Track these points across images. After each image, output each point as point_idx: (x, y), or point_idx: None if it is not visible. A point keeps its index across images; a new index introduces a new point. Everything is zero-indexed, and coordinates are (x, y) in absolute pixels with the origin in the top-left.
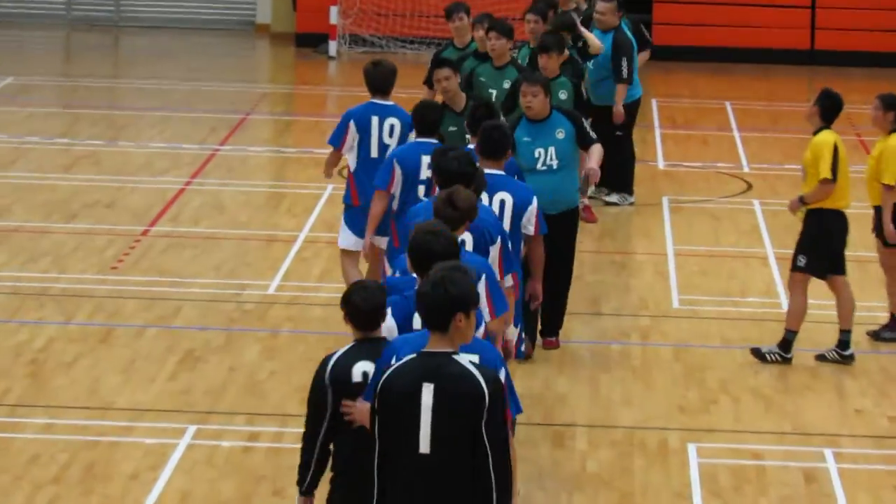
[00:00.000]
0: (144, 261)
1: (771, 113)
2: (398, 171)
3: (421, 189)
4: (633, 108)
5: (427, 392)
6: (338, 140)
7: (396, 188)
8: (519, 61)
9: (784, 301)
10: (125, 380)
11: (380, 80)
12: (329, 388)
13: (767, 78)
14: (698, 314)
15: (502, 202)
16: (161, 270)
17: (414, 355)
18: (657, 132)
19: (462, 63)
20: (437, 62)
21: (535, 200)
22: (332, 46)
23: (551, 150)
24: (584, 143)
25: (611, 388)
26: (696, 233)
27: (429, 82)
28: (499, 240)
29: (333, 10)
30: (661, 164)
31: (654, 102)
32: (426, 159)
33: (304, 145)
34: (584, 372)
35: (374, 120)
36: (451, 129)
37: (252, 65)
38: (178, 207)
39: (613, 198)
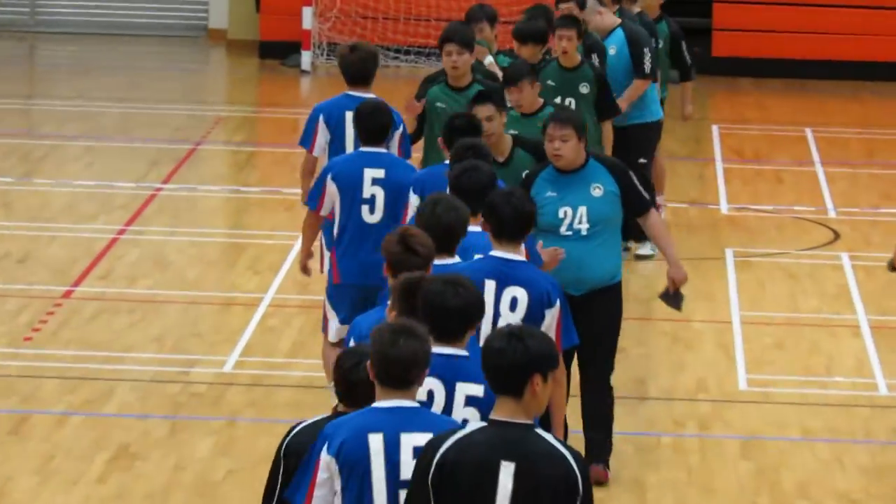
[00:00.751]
0: (67, 330)
1: (864, 143)
2: (332, 189)
3: (364, 210)
4: (655, 130)
5: (506, 473)
6: (308, 139)
7: (333, 209)
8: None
9: (882, 381)
10: (41, 481)
11: (357, 66)
12: (282, 461)
13: (859, 98)
14: (771, 398)
15: (514, 300)
16: (88, 342)
17: (482, 424)
18: (719, 167)
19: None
20: (479, 97)
21: (558, 302)
22: (306, 58)
23: (582, 210)
24: (633, 209)
25: (660, 492)
26: (769, 295)
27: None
28: (558, 303)
29: (307, 13)
30: (723, 208)
31: (714, 130)
32: (371, 174)
33: (269, 183)
34: (626, 472)
35: (349, 116)
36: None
37: (204, 81)
38: (110, 262)
39: (645, 249)
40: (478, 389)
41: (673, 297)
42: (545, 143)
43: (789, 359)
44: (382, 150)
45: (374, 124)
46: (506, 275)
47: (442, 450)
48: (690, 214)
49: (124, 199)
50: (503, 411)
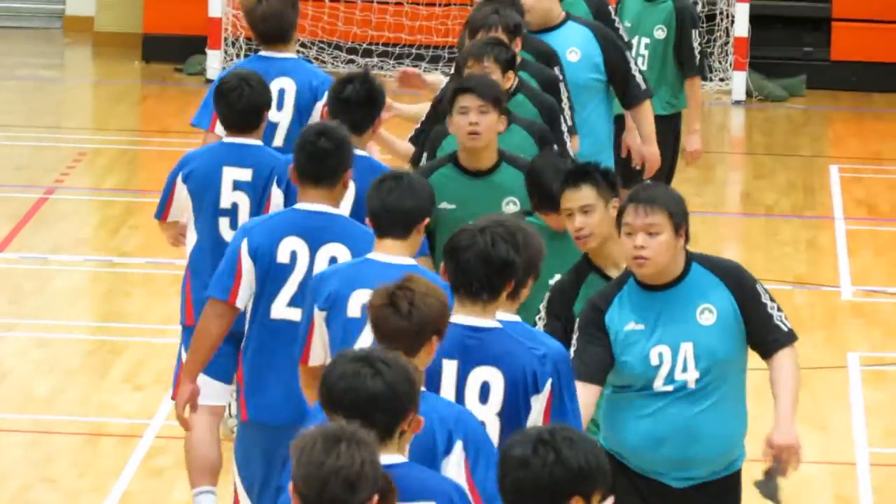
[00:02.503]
0: None
1: None
2: (182, 194)
3: (223, 223)
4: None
5: None
6: (206, 118)
7: (184, 217)
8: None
9: None
10: None
11: (270, 21)
12: None
13: None
14: None
15: (485, 386)
16: None
17: None
18: (839, 230)
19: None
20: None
21: (549, 383)
22: (214, 61)
23: (686, 350)
24: (764, 341)
25: None
26: None
27: (421, 144)
28: (548, 385)
29: None
30: (846, 292)
31: (833, 173)
32: (231, 174)
33: (157, 252)
34: None
35: (275, 86)
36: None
37: (59, 96)
38: None
39: None
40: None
41: (767, 483)
42: (622, 239)
43: None
44: (253, 141)
45: (244, 104)
46: (471, 350)
47: None
48: (796, 301)
49: None
50: None
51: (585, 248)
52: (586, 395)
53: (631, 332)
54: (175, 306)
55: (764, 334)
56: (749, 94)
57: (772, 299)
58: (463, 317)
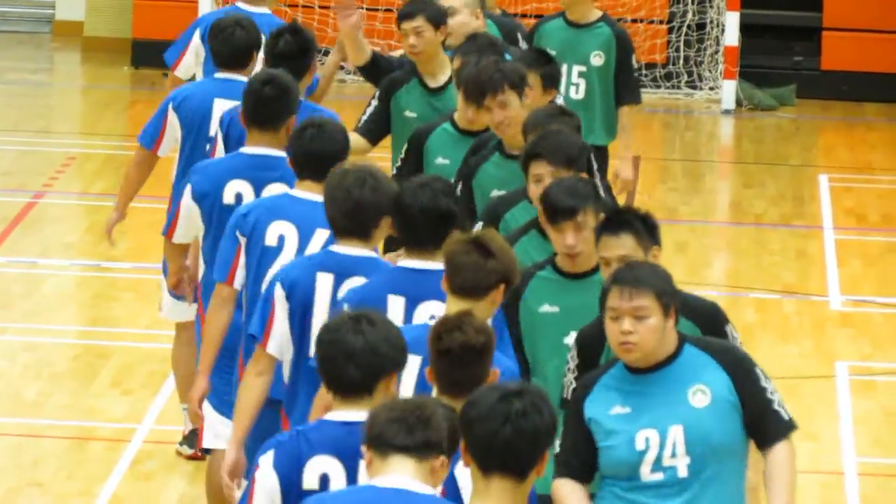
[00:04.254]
0: None
1: None
2: (174, 122)
3: (208, 149)
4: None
5: None
6: (174, 56)
7: (173, 146)
8: None
9: None
10: None
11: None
12: None
13: None
14: None
15: (433, 319)
16: None
17: None
18: (828, 240)
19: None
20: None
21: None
22: None
23: (675, 433)
24: (761, 431)
25: None
26: None
27: (371, 127)
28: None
29: None
30: (834, 302)
31: (822, 183)
32: (221, 105)
33: (145, 257)
34: None
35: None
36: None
37: (48, 100)
38: None
39: None
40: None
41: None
42: (605, 324)
43: None
44: (243, 77)
45: (236, 41)
46: (418, 287)
47: None
48: (785, 310)
49: None
50: (494, 499)
51: None
52: (576, 494)
53: (616, 417)
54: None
55: (761, 422)
56: (739, 103)
57: (771, 383)
58: (410, 261)
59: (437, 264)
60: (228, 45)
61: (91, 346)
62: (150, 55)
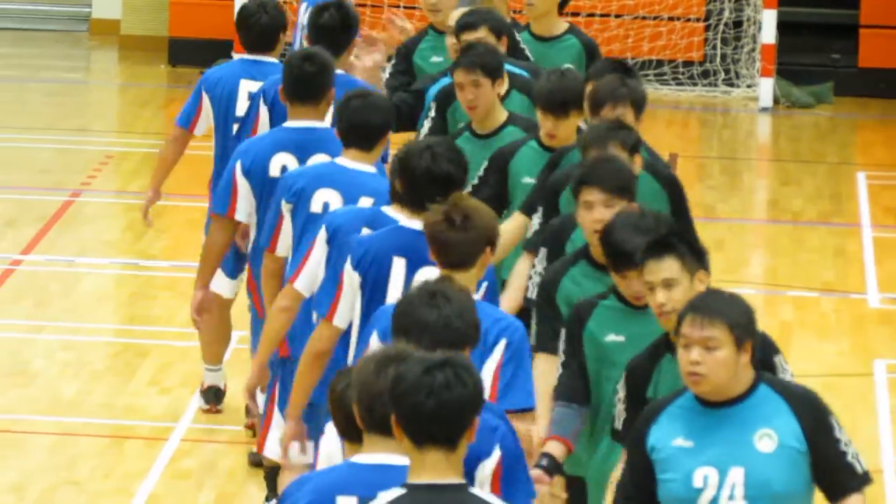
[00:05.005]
0: None
1: None
2: (206, 103)
3: (236, 129)
4: None
5: None
6: (188, 119)
7: (208, 125)
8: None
9: None
10: None
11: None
12: None
13: None
14: None
15: None
16: None
17: (401, 492)
18: (866, 237)
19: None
20: (462, 27)
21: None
22: None
23: (736, 476)
24: (831, 482)
25: None
26: None
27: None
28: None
29: None
30: (872, 299)
31: (860, 180)
32: (246, 86)
33: (182, 255)
34: None
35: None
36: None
37: (85, 99)
38: None
39: None
40: None
41: None
42: (678, 352)
43: None
44: (269, 59)
45: (259, 27)
46: (420, 251)
47: None
48: (823, 308)
49: None
50: (430, 470)
51: (667, 327)
52: None
53: (677, 449)
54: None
55: (833, 474)
56: (776, 100)
57: (845, 434)
58: (415, 222)
59: None
60: (255, 30)
61: (129, 344)
62: (187, 53)
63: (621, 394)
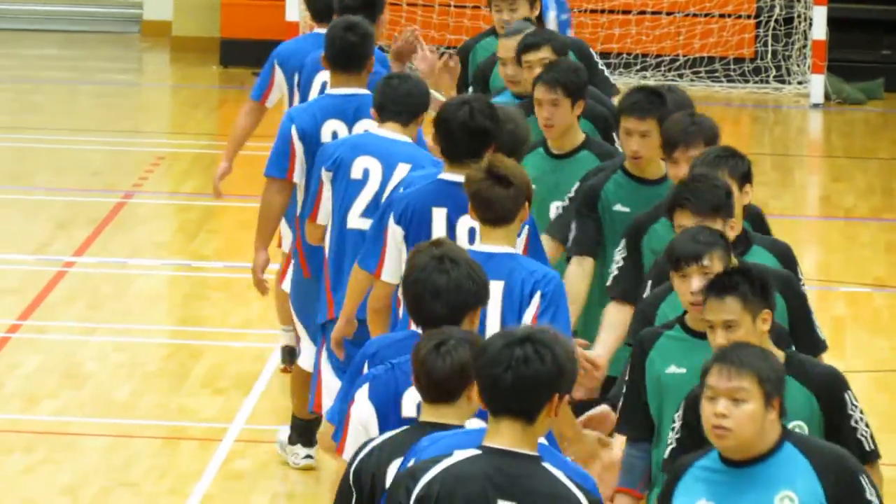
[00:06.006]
0: None
1: None
2: (279, 75)
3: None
4: None
5: None
6: (261, 91)
7: (279, 96)
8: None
9: None
10: None
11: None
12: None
13: None
14: None
15: (473, 231)
16: None
17: (475, 452)
18: None
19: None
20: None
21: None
22: None
23: None
24: None
25: None
26: None
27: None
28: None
29: None
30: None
31: None
32: (314, 58)
33: (235, 256)
34: None
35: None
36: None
37: (137, 100)
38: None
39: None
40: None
41: None
42: (702, 405)
43: None
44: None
45: (320, 1)
46: (460, 200)
47: (424, 481)
48: (876, 303)
49: (16, 280)
50: (504, 437)
51: None
52: None
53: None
54: (252, 311)
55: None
56: (827, 97)
57: (875, 495)
58: (451, 175)
59: None
60: (318, 3)
61: (182, 345)
62: (239, 54)
63: (677, 424)
